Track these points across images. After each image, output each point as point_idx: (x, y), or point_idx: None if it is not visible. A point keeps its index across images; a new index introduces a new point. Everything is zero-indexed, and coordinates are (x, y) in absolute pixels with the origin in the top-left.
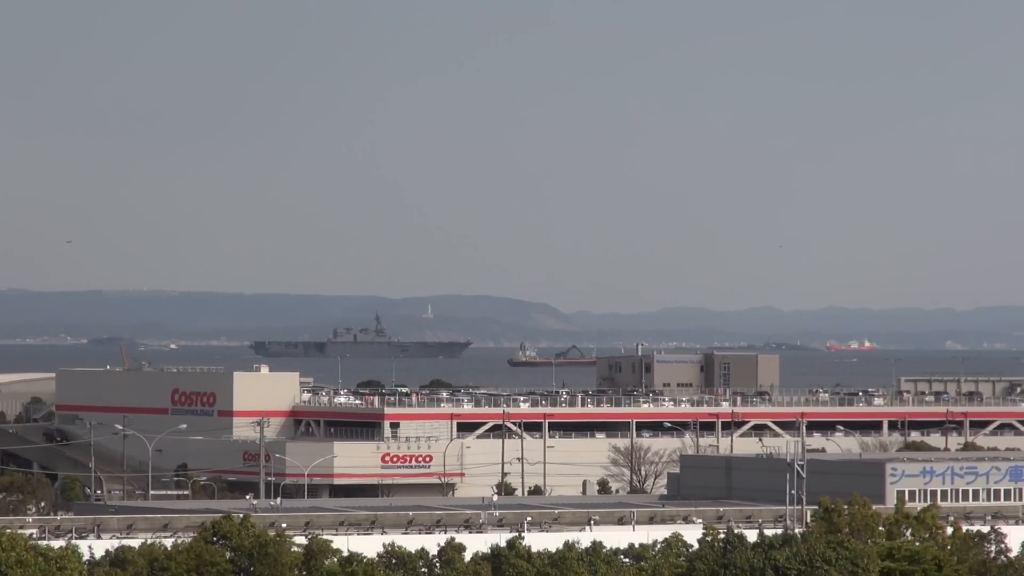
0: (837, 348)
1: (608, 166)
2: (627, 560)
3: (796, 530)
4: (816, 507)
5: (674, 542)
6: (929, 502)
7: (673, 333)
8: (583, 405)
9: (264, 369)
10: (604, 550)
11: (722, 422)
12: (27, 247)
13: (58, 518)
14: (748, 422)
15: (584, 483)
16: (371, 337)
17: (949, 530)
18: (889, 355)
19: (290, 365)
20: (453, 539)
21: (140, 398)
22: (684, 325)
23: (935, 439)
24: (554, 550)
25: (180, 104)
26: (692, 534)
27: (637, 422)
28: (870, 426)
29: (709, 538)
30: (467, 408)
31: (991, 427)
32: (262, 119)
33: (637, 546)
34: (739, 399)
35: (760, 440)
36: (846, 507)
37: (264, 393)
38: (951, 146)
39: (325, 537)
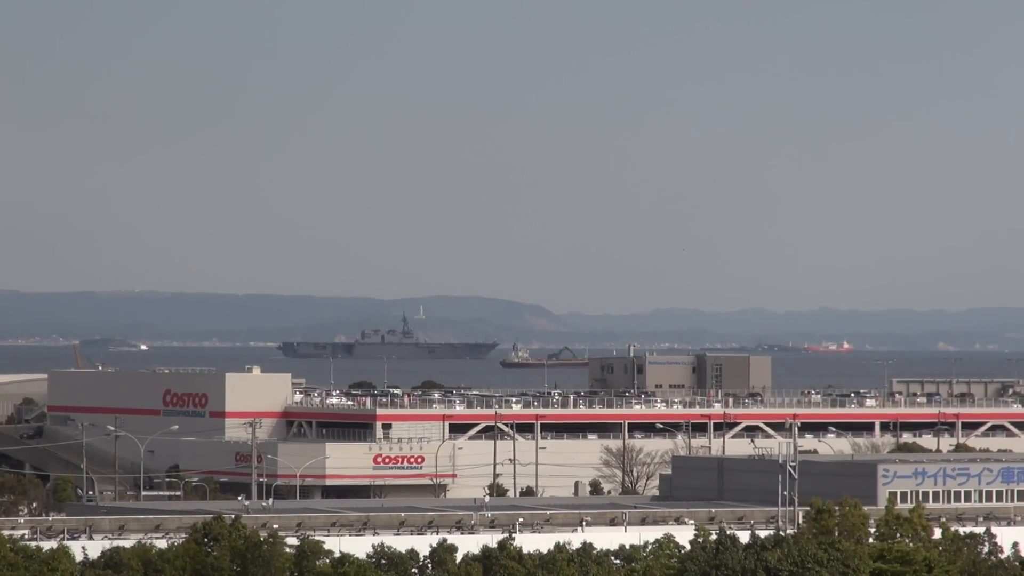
0: (815, 349)
1: (600, 167)
2: (618, 561)
3: (788, 531)
4: (808, 508)
5: (666, 543)
6: (921, 503)
7: (665, 334)
8: (575, 406)
9: (256, 370)
10: (595, 551)
11: (714, 423)
12: (19, 248)
13: (50, 519)
14: (740, 423)
15: (576, 484)
16: (398, 338)
17: (938, 532)
18: (870, 356)
19: (319, 367)
20: (445, 540)
21: (132, 399)
22: (676, 326)
23: (927, 440)
24: (545, 551)
25: (172, 104)
26: (684, 535)
27: (629, 423)
28: (862, 427)
29: (700, 539)
30: (459, 409)
31: (983, 428)
32: (254, 119)
33: (628, 547)
34: (731, 400)
35: (752, 441)
36: (836, 508)
37: (256, 394)
38: (944, 147)
39: (317, 538)
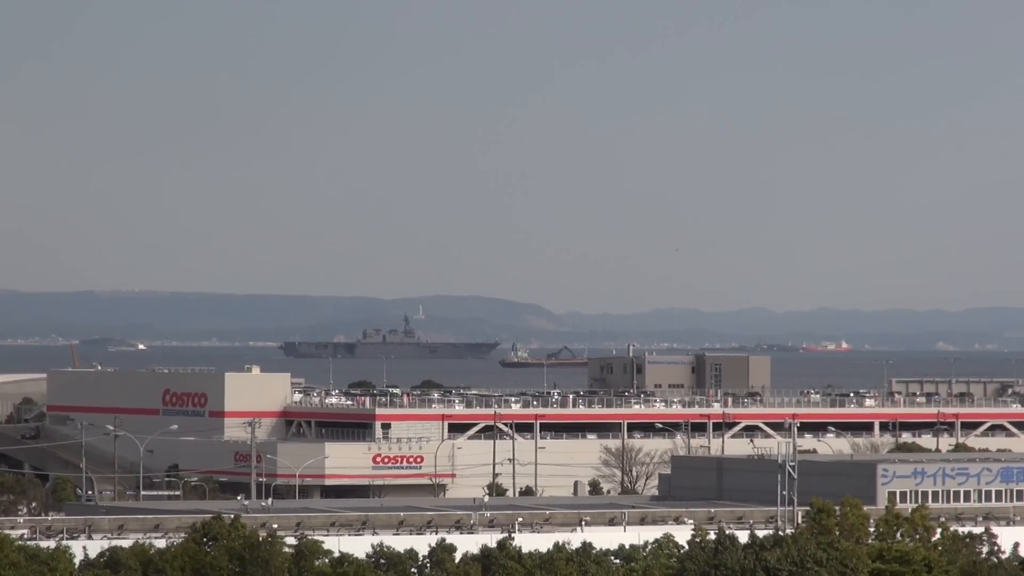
0: (813, 349)
1: (599, 166)
2: (618, 561)
3: (787, 531)
4: (808, 507)
5: (665, 543)
6: (920, 503)
7: (664, 334)
8: (574, 406)
9: (255, 370)
10: (595, 551)
11: (713, 423)
12: (19, 248)
13: (49, 519)
14: (739, 423)
15: (575, 484)
16: (400, 338)
17: (938, 531)
18: (869, 356)
19: (320, 366)
20: (443, 540)
21: (131, 399)
22: (675, 326)
23: (926, 440)
24: (545, 551)
25: (171, 104)
26: (683, 535)
27: (628, 423)
28: (861, 427)
29: (698, 539)
30: (458, 409)
31: (982, 428)
32: (253, 119)
33: (628, 547)
34: (730, 400)
35: (751, 441)
36: (837, 508)
37: (255, 394)
38: (944, 148)
39: (316, 538)
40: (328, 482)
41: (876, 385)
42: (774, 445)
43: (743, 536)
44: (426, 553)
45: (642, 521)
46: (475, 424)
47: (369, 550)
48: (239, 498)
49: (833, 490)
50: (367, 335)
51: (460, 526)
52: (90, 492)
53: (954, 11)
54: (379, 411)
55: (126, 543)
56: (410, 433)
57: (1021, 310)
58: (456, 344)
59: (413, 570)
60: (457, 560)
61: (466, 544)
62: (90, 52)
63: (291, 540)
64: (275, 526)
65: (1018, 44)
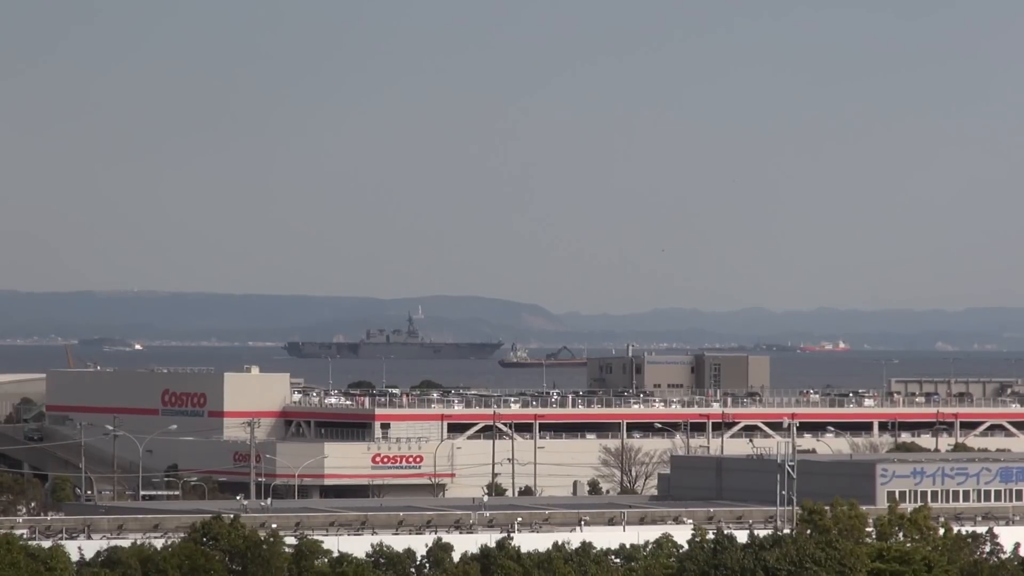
0: (811, 349)
1: (598, 166)
2: (617, 560)
3: (786, 531)
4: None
5: (664, 543)
6: (919, 503)
7: (664, 334)
8: (574, 406)
9: (255, 370)
10: (594, 550)
11: (712, 423)
12: (18, 248)
13: (48, 519)
14: (738, 423)
15: (575, 484)
16: (404, 338)
17: (940, 531)
18: (868, 356)
19: (324, 367)
20: (440, 539)
21: (130, 399)
22: (675, 326)
23: (925, 440)
24: (544, 551)
25: (170, 104)
26: (682, 535)
27: (628, 423)
28: (860, 427)
29: (697, 539)
30: (457, 409)
31: (981, 428)
32: (253, 118)
33: (628, 546)
34: (729, 400)
35: (750, 441)
36: (828, 508)
37: (255, 394)
38: (942, 147)
39: (316, 538)
40: (327, 482)
41: (875, 385)
42: (773, 445)
43: (742, 536)
44: (424, 553)
45: (641, 521)
46: (474, 424)
47: (368, 550)
48: (238, 498)
49: (832, 490)
50: (370, 335)
51: (459, 526)
52: (89, 492)
53: (954, 12)
54: (378, 411)
55: (125, 543)
56: (409, 433)
57: (1020, 310)
58: (459, 344)
59: (412, 570)
60: (456, 560)
61: (465, 544)
62: (91, 52)
63: (291, 540)
64: (274, 526)
65: (1018, 45)
